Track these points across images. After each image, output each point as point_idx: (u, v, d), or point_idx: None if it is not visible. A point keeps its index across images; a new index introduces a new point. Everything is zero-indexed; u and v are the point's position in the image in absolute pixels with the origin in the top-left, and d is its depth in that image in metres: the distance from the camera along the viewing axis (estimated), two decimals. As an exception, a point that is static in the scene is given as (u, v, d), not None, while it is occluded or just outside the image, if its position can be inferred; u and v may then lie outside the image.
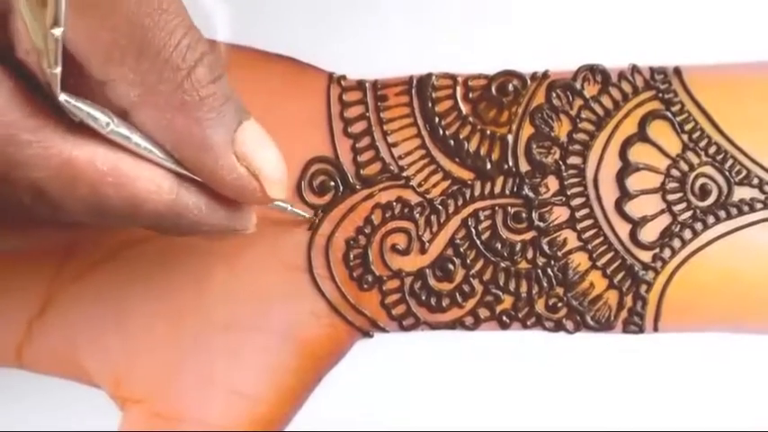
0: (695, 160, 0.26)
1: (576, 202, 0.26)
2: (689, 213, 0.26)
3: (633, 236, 0.26)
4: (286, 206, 0.25)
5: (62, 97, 0.19)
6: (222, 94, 0.21)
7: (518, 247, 0.26)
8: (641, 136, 0.26)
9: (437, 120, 0.27)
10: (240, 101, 0.22)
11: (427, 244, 0.26)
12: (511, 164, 0.27)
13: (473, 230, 0.26)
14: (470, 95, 0.27)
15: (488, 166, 0.27)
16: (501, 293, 0.26)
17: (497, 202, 0.26)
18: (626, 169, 0.26)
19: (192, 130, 0.21)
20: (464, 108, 0.27)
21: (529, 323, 0.26)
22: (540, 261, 0.26)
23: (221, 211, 0.23)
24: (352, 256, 0.26)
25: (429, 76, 0.27)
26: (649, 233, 0.26)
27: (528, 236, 0.26)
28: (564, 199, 0.26)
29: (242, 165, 0.22)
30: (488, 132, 0.27)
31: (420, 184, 0.27)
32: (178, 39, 0.20)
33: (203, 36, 0.21)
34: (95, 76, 0.20)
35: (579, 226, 0.26)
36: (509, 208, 0.26)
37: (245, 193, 0.22)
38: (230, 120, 0.21)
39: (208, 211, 0.22)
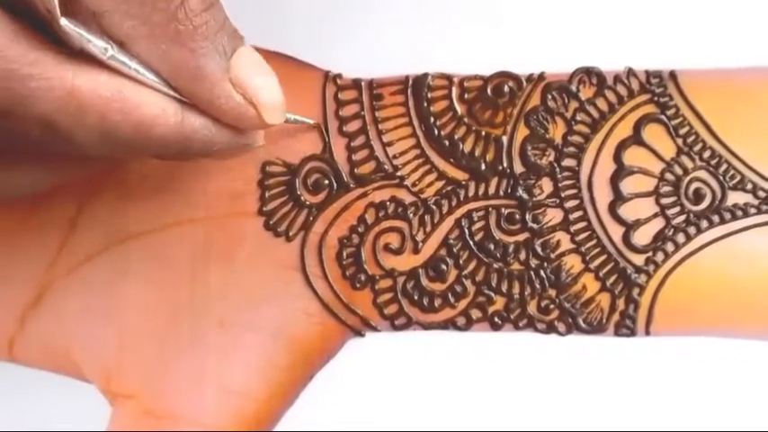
0: (689, 164, 0.26)
1: (570, 204, 0.26)
2: (682, 217, 0.26)
3: (626, 239, 0.26)
4: (288, 116, 0.25)
5: (63, 21, 0.19)
6: (215, 21, 0.21)
7: (511, 248, 0.26)
8: (636, 139, 0.26)
9: (432, 120, 0.27)
10: (235, 27, 0.22)
11: (420, 244, 0.26)
12: (505, 165, 0.27)
13: (466, 231, 0.26)
14: (466, 96, 0.27)
15: (483, 166, 0.27)
16: (493, 294, 0.26)
17: (491, 203, 0.26)
18: (620, 172, 0.26)
19: (186, 60, 0.21)
20: (459, 109, 0.27)
21: (521, 325, 0.26)
22: (533, 263, 0.26)
23: (230, 130, 0.23)
24: (345, 254, 0.26)
25: (425, 75, 0.27)
26: (643, 236, 0.26)
27: (521, 237, 0.26)
28: (558, 201, 0.26)
29: (238, 92, 0.22)
30: (483, 133, 0.27)
31: (414, 184, 0.27)
32: None
33: None
34: (90, 7, 0.20)
35: (573, 228, 0.26)
36: (503, 209, 0.26)
37: (243, 119, 0.22)
38: (225, 47, 0.21)
39: (217, 131, 0.22)
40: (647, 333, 0.26)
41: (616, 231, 0.26)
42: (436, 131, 0.27)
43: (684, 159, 0.26)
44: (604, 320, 0.26)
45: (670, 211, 0.26)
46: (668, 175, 0.26)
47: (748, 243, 0.26)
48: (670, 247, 0.26)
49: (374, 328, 0.26)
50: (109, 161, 0.26)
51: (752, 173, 0.26)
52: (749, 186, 0.26)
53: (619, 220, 0.26)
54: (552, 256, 0.26)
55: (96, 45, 0.20)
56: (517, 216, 0.26)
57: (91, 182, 0.27)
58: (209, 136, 0.22)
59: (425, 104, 0.27)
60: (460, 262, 0.26)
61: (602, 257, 0.26)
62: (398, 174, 0.27)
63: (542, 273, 0.26)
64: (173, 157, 0.23)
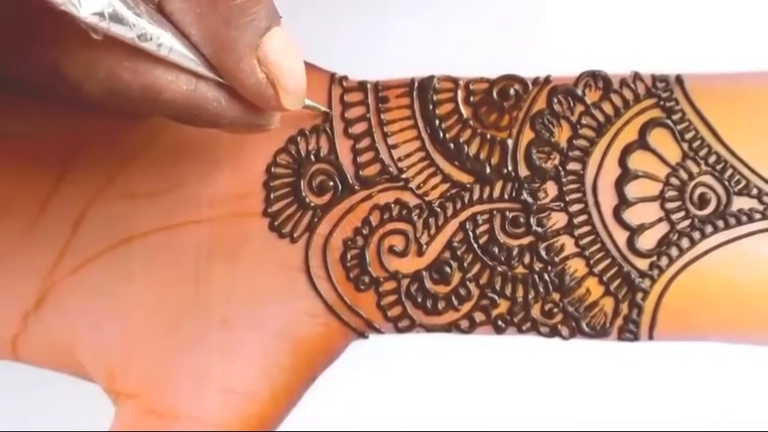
0: (695, 169, 0.26)
1: (575, 208, 0.26)
2: (687, 222, 0.26)
3: (630, 243, 0.26)
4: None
5: (83, 13, 0.19)
6: None
7: (515, 251, 0.26)
8: (641, 143, 0.26)
9: (437, 122, 0.27)
10: (273, 5, 0.22)
11: (425, 246, 0.26)
12: (510, 168, 0.27)
13: (471, 234, 0.26)
14: (471, 99, 0.27)
15: (488, 170, 0.27)
16: (497, 298, 0.26)
17: (496, 207, 0.26)
18: (625, 176, 0.26)
19: (218, 29, 0.21)
20: (465, 111, 0.27)
21: (524, 328, 0.26)
22: (537, 266, 0.26)
23: (242, 106, 0.23)
24: (349, 256, 0.26)
25: (430, 78, 0.27)
26: (647, 241, 0.26)
27: (525, 241, 0.26)
28: (562, 205, 0.26)
29: (262, 71, 0.22)
30: (488, 136, 0.27)
31: (419, 187, 0.27)
32: None
33: None
34: None
35: (577, 232, 0.26)
36: (507, 212, 0.26)
37: (261, 98, 0.22)
38: (259, 24, 0.21)
39: (228, 105, 0.22)
40: (651, 338, 0.26)
41: (620, 236, 0.26)
42: (441, 134, 0.27)
43: (690, 164, 0.26)
44: (608, 325, 0.26)
45: (675, 216, 0.26)
46: (673, 180, 0.26)
47: (753, 248, 0.26)
48: (674, 251, 0.26)
49: (377, 330, 0.26)
50: (115, 115, 0.25)
51: (757, 178, 0.26)
52: (754, 192, 0.26)
53: (623, 224, 0.26)
54: (556, 259, 0.26)
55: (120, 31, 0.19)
56: (521, 219, 0.26)
57: (96, 182, 0.27)
58: (220, 109, 0.22)
59: (431, 107, 0.27)
60: (464, 265, 0.26)
61: (607, 261, 0.26)
62: (403, 176, 0.27)
63: (546, 276, 0.26)
64: (182, 122, 0.23)
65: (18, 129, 0.23)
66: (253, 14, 0.21)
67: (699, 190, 0.26)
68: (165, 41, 0.20)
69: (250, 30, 0.21)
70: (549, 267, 0.26)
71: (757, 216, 0.26)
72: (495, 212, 0.26)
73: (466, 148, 0.27)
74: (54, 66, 0.20)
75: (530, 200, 0.26)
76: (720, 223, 0.26)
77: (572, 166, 0.26)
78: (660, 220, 0.26)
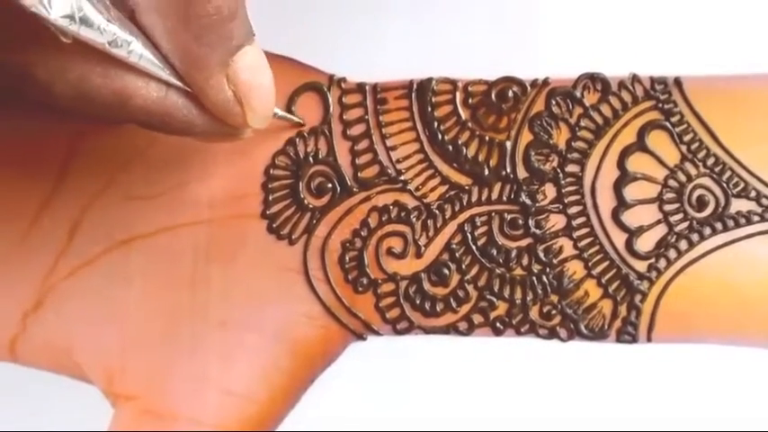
0: (693, 171, 0.26)
1: (573, 210, 0.26)
2: (685, 224, 0.26)
3: (629, 245, 0.26)
4: (276, 111, 0.25)
5: (53, 15, 0.19)
6: (230, 12, 0.21)
7: (514, 253, 0.26)
8: (640, 146, 0.26)
9: (436, 124, 0.27)
10: (248, 21, 0.21)
11: (423, 248, 0.26)
12: (509, 170, 0.27)
13: (469, 236, 0.26)
14: (470, 101, 0.27)
15: (486, 171, 0.27)
16: (495, 300, 0.26)
17: (494, 209, 0.26)
18: (624, 178, 0.26)
19: (188, 45, 0.21)
20: (463, 113, 0.27)
21: (522, 330, 0.26)
22: (536, 268, 0.26)
23: (212, 116, 0.23)
24: (347, 258, 0.26)
25: (429, 80, 0.27)
26: (645, 243, 0.26)
27: (524, 243, 0.26)
28: (561, 207, 0.26)
29: (230, 88, 0.22)
30: (487, 138, 0.27)
31: (417, 189, 0.27)
32: None
33: None
34: None
35: (575, 234, 0.26)
36: (506, 214, 0.26)
37: (227, 115, 0.22)
38: (231, 42, 0.21)
39: (199, 114, 0.22)
40: (649, 340, 0.26)
41: (619, 238, 0.26)
42: (440, 136, 0.27)
43: (688, 166, 0.26)
44: (606, 327, 0.26)
45: (673, 218, 0.26)
46: (672, 182, 0.26)
47: (751, 251, 0.26)
48: (672, 253, 0.26)
49: (376, 332, 0.26)
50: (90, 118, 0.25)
51: (756, 180, 0.26)
52: (753, 194, 0.26)
53: (621, 226, 0.26)
54: (555, 261, 0.26)
55: (90, 36, 0.20)
56: (520, 221, 0.26)
57: (95, 185, 0.27)
58: (191, 117, 0.22)
59: (429, 109, 0.27)
60: (463, 267, 0.26)
61: (605, 264, 0.26)
62: (402, 178, 0.27)
63: (545, 278, 0.26)
64: (153, 129, 0.23)
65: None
66: (225, 32, 0.21)
67: (697, 192, 0.26)
68: (135, 49, 0.21)
69: (221, 48, 0.21)
70: (548, 269, 0.26)
71: (755, 218, 0.26)
72: (493, 214, 0.26)
73: (464, 150, 0.27)
74: (25, 67, 0.20)
75: (528, 202, 0.26)
76: (719, 225, 0.26)
77: (570, 168, 0.26)
78: (658, 222, 0.26)
